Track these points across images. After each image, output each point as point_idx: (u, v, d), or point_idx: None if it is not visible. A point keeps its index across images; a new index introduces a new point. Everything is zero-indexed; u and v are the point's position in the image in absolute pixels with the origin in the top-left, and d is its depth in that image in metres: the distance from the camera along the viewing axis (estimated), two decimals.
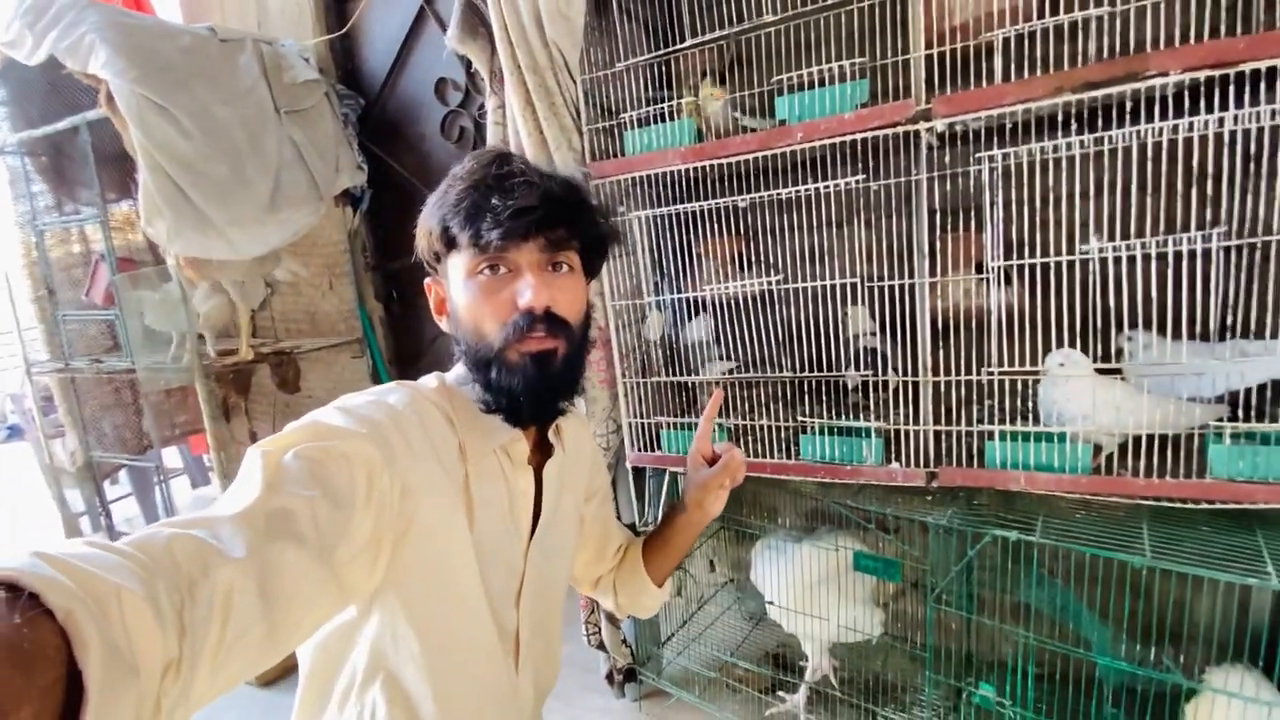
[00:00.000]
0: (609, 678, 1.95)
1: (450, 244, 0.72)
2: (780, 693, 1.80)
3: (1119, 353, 1.30)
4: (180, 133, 1.97)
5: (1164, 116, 1.08)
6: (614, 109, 1.54)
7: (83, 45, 1.89)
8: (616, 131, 1.52)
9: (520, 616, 0.82)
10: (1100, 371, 1.25)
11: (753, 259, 1.70)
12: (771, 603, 1.69)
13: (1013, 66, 1.18)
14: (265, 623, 0.51)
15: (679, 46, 1.40)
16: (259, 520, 0.53)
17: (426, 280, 0.80)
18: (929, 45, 1.22)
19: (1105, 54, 1.20)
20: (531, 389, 0.73)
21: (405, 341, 2.88)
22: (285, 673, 2.23)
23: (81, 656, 0.37)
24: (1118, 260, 1.14)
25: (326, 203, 2.42)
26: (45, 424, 2.75)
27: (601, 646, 1.90)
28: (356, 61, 2.64)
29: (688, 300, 1.55)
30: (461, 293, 0.72)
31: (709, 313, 1.58)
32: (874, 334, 1.46)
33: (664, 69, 1.58)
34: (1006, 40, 1.18)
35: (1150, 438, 1.20)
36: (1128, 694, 1.30)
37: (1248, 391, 1.15)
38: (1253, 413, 1.16)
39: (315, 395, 2.89)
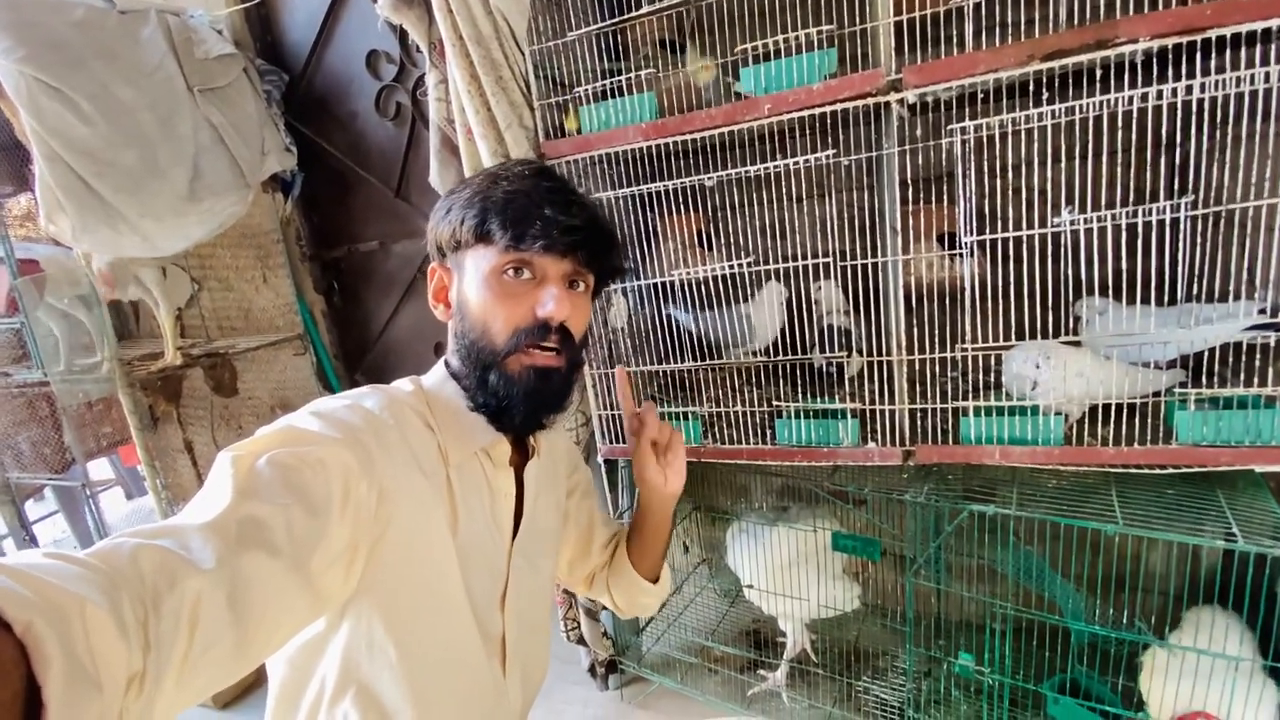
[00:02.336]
0: (591, 671, 1.91)
1: (482, 238, 0.71)
2: (761, 671, 1.81)
3: (1077, 321, 1.31)
4: (79, 117, 1.77)
5: (1134, 84, 1.07)
6: (568, 82, 1.44)
7: None
8: (571, 107, 1.42)
9: (506, 620, 0.80)
10: (1069, 344, 1.25)
11: (717, 238, 1.65)
12: (750, 586, 1.68)
13: (983, 33, 1.14)
14: (235, 634, 0.50)
15: (634, 14, 1.31)
16: (229, 529, 0.52)
17: (431, 265, 0.79)
18: (896, 11, 1.17)
19: (1075, 19, 1.17)
20: (527, 401, 0.74)
21: (351, 335, 2.73)
22: (245, 692, 2.12)
23: (41, 671, 0.36)
24: (1088, 231, 1.13)
25: (254, 189, 2.23)
26: None
27: (581, 641, 1.86)
28: (276, 33, 2.43)
29: (655, 285, 1.48)
30: (478, 288, 0.72)
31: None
32: (847, 313, 1.43)
33: (617, 38, 1.49)
34: (976, 5, 1.14)
35: (1118, 405, 1.21)
36: (1100, 654, 1.34)
37: (1210, 356, 1.18)
38: (1215, 378, 1.18)
39: (256, 397, 2.71)
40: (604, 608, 1.84)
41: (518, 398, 0.73)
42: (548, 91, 1.43)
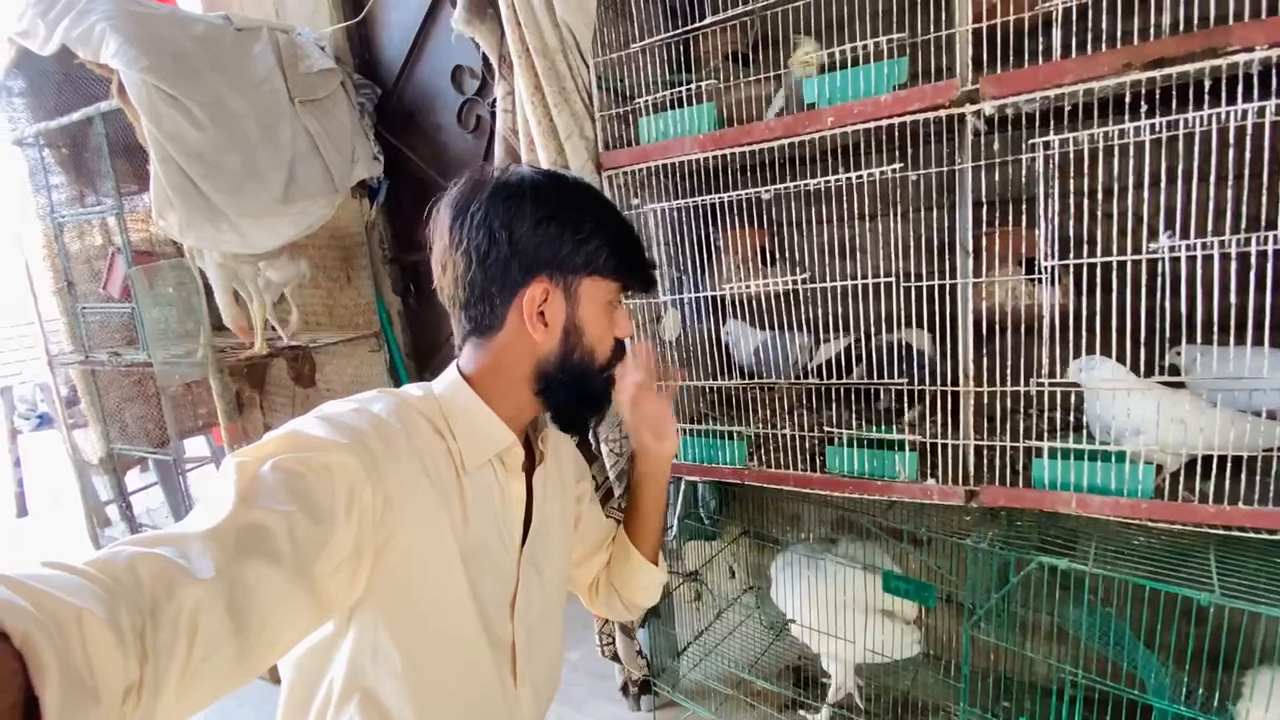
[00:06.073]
0: (624, 689, 1.88)
1: (608, 273, 0.76)
2: (801, 712, 1.71)
3: (1173, 369, 1.17)
4: (192, 123, 1.94)
5: (1248, 98, 0.95)
6: (629, 94, 1.45)
7: (93, 34, 1.85)
8: (631, 118, 1.42)
9: (516, 628, 0.79)
10: (1166, 384, 1.12)
11: (778, 254, 1.60)
12: (793, 621, 1.60)
13: (1073, 41, 1.05)
14: (236, 643, 0.50)
15: (699, 24, 1.30)
16: (229, 537, 0.52)
17: (542, 285, 0.74)
18: (976, 18, 1.10)
19: (1180, 27, 1.06)
20: (606, 403, 0.84)
21: (423, 335, 2.84)
22: None
23: (39, 682, 0.36)
24: (1191, 260, 1.01)
25: (342, 194, 2.37)
26: (71, 415, 2.78)
27: (615, 658, 1.83)
28: (374, 49, 2.58)
29: (708, 299, 1.45)
30: (596, 316, 0.78)
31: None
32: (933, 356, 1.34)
33: (683, 50, 1.48)
34: (1066, 11, 1.05)
35: (1220, 458, 1.07)
36: None
37: None
38: None
39: (333, 389, 2.87)
40: (641, 625, 1.81)
41: (604, 403, 0.83)
42: (610, 103, 1.44)
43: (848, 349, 1.38)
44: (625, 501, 1.03)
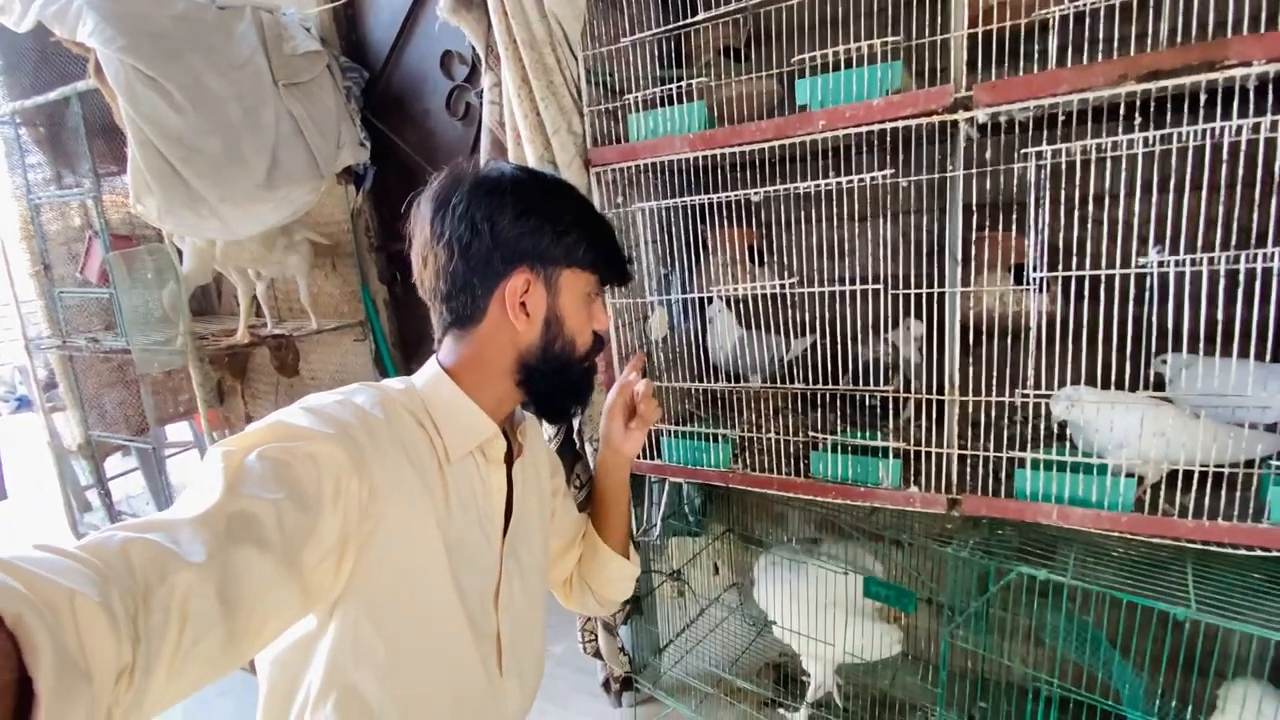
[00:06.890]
0: (605, 685, 1.88)
1: (586, 266, 0.78)
2: (780, 710, 1.72)
3: (1158, 381, 1.17)
4: (171, 106, 1.88)
5: (1244, 113, 0.94)
6: (619, 89, 1.41)
7: (70, 12, 1.80)
8: (620, 114, 1.40)
9: (500, 617, 0.80)
10: (1152, 398, 1.12)
11: (767, 255, 1.58)
12: (774, 622, 1.60)
13: (1069, 49, 1.03)
14: (225, 627, 0.50)
15: (691, 20, 1.27)
16: (219, 523, 0.53)
17: (524, 276, 0.75)
18: (972, 24, 1.08)
19: (1178, 38, 1.05)
20: (587, 393, 0.86)
21: (410, 325, 2.80)
22: None
23: (32, 662, 0.37)
24: (1180, 276, 1.00)
25: (327, 180, 2.32)
26: (50, 399, 2.73)
27: (598, 655, 1.83)
28: (361, 32, 2.53)
29: (695, 299, 1.43)
30: (576, 308, 0.79)
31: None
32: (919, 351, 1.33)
33: (674, 45, 1.45)
34: (1063, 19, 1.03)
35: (1201, 472, 1.07)
36: None
37: None
38: None
39: (317, 379, 2.84)
40: (624, 622, 1.81)
41: (585, 394, 0.85)
42: (599, 98, 1.41)
43: (831, 351, 1.36)
44: (588, 492, 1.05)
